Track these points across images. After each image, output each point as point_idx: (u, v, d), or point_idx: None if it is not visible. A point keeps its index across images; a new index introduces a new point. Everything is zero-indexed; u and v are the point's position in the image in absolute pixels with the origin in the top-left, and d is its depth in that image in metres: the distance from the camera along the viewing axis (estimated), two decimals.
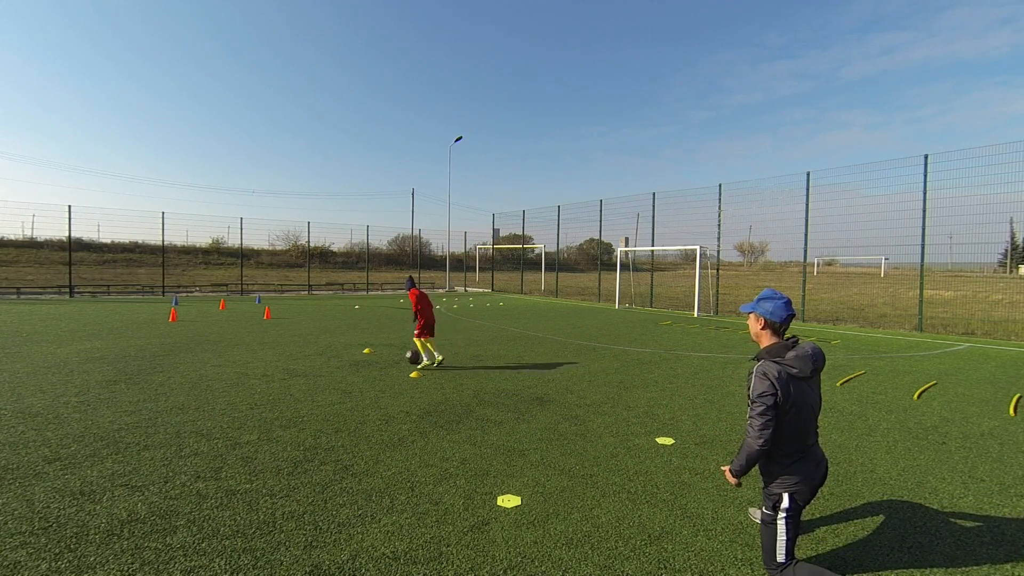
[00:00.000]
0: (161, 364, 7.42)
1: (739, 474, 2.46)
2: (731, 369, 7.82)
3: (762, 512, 2.46)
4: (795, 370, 2.32)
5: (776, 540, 2.37)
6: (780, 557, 2.36)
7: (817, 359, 2.37)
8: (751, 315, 2.55)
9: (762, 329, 2.49)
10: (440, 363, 7.60)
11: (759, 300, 2.53)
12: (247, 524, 2.96)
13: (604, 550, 2.77)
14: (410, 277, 8.26)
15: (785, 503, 2.35)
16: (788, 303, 2.47)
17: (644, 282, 23.57)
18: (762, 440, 2.30)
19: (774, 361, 2.36)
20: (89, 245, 33.10)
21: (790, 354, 2.36)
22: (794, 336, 2.48)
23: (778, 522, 2.37)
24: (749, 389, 2.39)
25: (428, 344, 7.65)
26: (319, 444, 4.31)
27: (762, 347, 2.49)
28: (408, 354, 7.64)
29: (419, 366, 7.43)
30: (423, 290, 8.57)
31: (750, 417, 2.34)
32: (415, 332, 7.66)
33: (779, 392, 2.28)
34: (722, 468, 2.68)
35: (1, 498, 3.20)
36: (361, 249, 36.92)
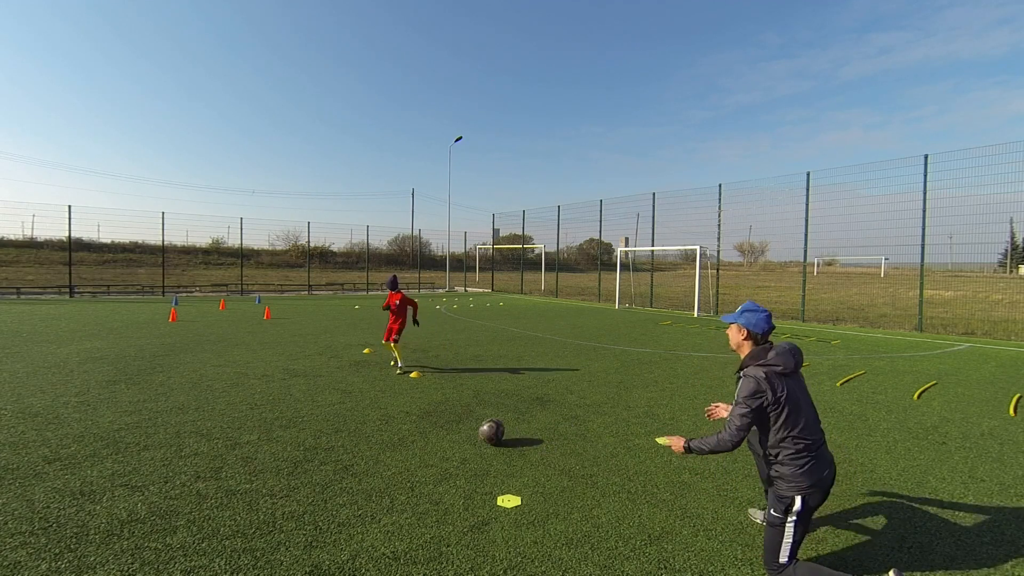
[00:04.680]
0: (161, 364, 7.42)
1: (693, 453, 2.55)
2: (731, 369, 7.81)
3: (769, 514, 2.44)
4: (779, 367, 2.41)
5: (782, 542, 2.36)
6: (783, 559, 2.36)
7: (796, 353, 2.48)
8: (733, 325, 2.66)
9: (744, 340, 2.61)
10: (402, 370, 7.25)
11: (742, 312, 2.64)
12: (247, 524, 2.96)
13: (604, 550, 2.77)
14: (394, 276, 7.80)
15: (797, 506, 2.35)
16: (769, 317, 2.60)
17: (644, 282, 23.56)
18: (737, 440, 2.41)
19: (758, 365, 2.45)
20: (89, 245, 33.10)
21: (771, 354, 2.46)
22: (769, 341, 2.58)
23: (787, 525, 2.36)
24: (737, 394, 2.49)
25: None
26: (319, 444, 4.31)
27: (744, 357, 2.58)
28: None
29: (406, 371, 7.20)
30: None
31: (731, 416, 2.45)
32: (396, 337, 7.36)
33: (769, 392, 2.37)
34: (668, 438, 2.66)
35: (1, 498, 3.20)
36: (361, 249, 36.92)
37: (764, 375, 2.39)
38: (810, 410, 2.47)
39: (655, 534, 2.94)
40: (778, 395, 2.36)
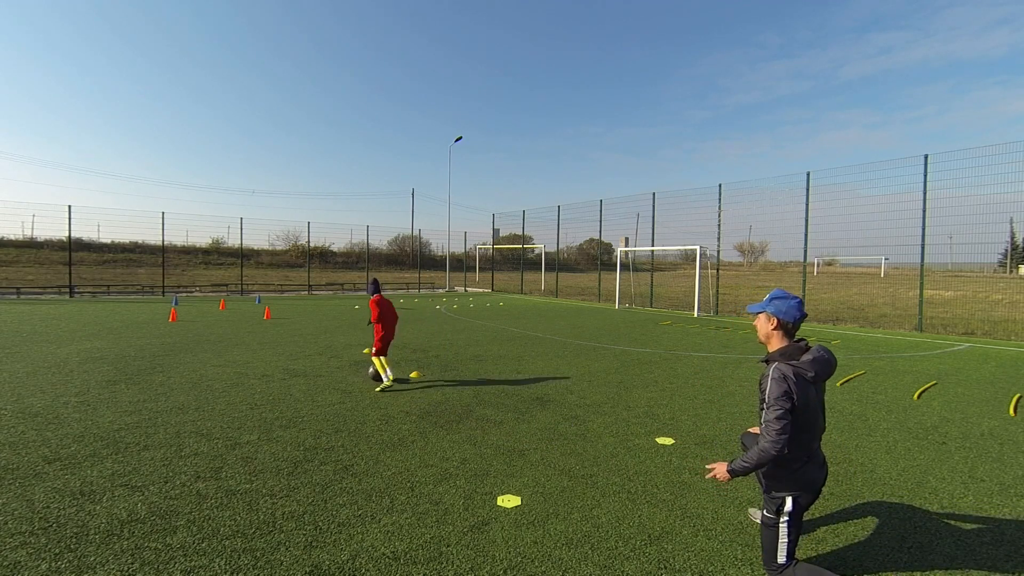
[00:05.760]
0: (161, 364, 7.42)
1: (739, 475, 2.40)
2: (731, 369, 7.81)
3: (763, 515, 2.45)
4: (811, 374, 2.28)
5: (778, 542, 2.36)
6: (781, 559, 2.36)
7: (832, 364, 2.35)
8: (761, 315, 2.47)
9: (774, 330, 2.42)
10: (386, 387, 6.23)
11: (771, 300, 2.45)
12: (247, 524, 2.96)
13: (604, 550, 2.76)
14: (374, 280, 6.70)
15: (788, 506, 2.34)
16: (801, 303, 2.41)
17: (644, 282, 23.55)
18: (780, 445, 2.22)
19: (789, 364, 2.31)
20: (89, 245, 33.11)
21: (805, 357, 2.32)
22: (803, 339, 2.43)
23: (780, 525, 2.36)
24: (764, 392, 2.32)
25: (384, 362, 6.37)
26: (319, 444, 4.31)
27: (773, 349, 2.44)
28: (370, 371, 6.50)
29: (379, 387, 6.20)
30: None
31: (767, 422, 2.25)
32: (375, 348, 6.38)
33: (796, 395, 2.24)
34: (709, 466, 2.53)
35: (1, 498, 3.20)
36: (361, 249, 36.95)
37: (795, 377, 2.26)
38: (820, 420, 2.38)
39: (655, 534, 2.94)
40: (802, 402, 2.25)
